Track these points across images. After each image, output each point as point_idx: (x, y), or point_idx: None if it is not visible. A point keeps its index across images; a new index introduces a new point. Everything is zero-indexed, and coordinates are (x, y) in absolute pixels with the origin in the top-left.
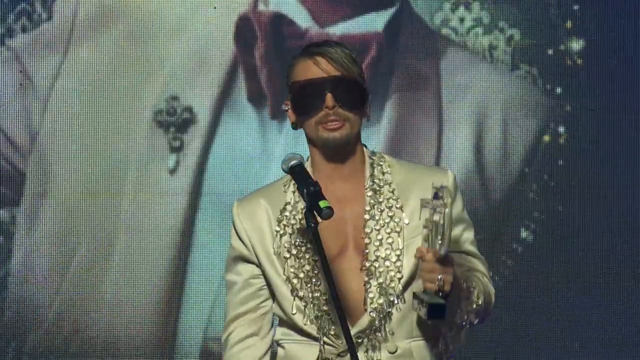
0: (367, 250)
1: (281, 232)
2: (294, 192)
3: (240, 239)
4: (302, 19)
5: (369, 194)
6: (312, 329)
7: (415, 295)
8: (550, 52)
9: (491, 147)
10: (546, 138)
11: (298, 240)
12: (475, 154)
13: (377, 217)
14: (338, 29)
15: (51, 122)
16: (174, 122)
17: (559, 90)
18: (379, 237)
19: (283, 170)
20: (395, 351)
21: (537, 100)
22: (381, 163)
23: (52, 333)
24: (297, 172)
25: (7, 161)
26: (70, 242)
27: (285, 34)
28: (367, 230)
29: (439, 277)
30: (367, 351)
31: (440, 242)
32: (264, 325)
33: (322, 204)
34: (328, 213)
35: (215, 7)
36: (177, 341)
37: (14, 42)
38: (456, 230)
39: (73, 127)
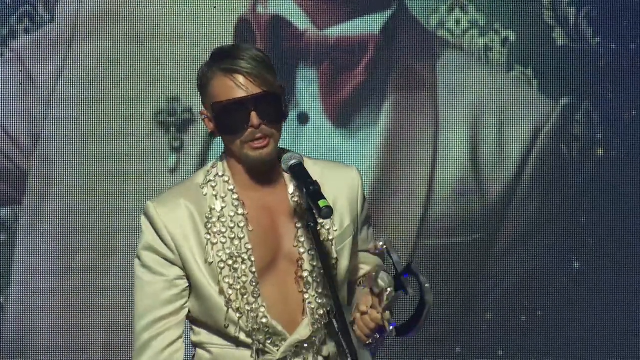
0: (301, 260)
1: (212, 240)
2: (214, 195)
3: (164, 242)
4: (300, 21)
5: (295, 199)
6: (246, 339)
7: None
8: (544, 53)
9: (487, 147)
10: (541, 138)
11: (232, 249)
12: (471, 155)
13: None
14: (335, 31)
15: (53, 122)
16: (174, 122)
17: (553, 91)
18: (313, 246)
19: (282, 169)
20: (328, 355)
21: (532, 101)
22: None
23: (53, 331)
24: (296, 172)
25: (10, 160)
26: (72, 240)
27: (283, 36)
28: (301, 238)
29: (376, 336)
30: (305, 357)
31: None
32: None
33: (321, 203)
34: (327, 212)
35: (215, 7)
36: None
37: (17, 44)
38: (364, 232)
39: (75, 127)
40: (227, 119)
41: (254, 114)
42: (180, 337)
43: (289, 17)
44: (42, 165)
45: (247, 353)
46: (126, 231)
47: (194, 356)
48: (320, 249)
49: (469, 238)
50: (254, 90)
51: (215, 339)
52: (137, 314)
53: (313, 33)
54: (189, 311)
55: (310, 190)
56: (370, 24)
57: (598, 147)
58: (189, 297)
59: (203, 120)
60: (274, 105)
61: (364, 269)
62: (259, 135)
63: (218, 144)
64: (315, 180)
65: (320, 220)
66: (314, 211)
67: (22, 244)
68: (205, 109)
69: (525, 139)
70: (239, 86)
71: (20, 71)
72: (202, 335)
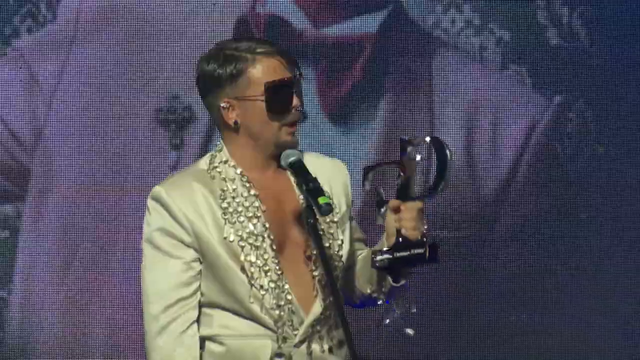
0: (309, 240)
1: (230, 219)
2: (223, 179)
3: (180, 225)
4: (299, 20)
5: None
6: (269, 320)
7: (382, 252)
8: (538, 52)
9: (481, 144)
10: (535, 136)
11: (251, 228)
12: (466, 151)
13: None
14: (333, 30)
15: (55, 119)
16: (175, 120)
17: (547, 89)
18: (321, 227)
19: (281, 165)
20: (345, 338)
21: (526, 99)
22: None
23: (56, 325)
24: (296, 168)
25: (13, 157)
26: (74, 236)
27: (281, 35)
28: (310, 221)
29: (425, 225)
30: (321, 339)
31: (433, 183)
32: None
33: (321, 200)
34: (327, 209)
35: (214, 3)
36: None
37: (20, 43)
38: (353, 225)
39: (76, 125)
40: (278, 98)
41: (295, 97)
42: (195, 321)
43: (287, 17)
44: (44, 162)
45: (267, 342)
46: (127, 227)
47: (201, 355)
48: (320, 246)
49: (464, 233)
50: (293, 72)
51: (233, 326)
52: (152, 298)
53: (311, 32)
54: (208, 296)
55: (310, 186)
56: (367, 24)
57: (592, 144)
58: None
59: (224, 111)
60: (302, 92)
61: (359, 249)
62: (297, 118)
63: (218, 141)
64: (315, 177)
65: (319, 217)
66: (314, 208)
67: (25, 240)
68: (231, 99)
69: (519, 136)
70: (284, 67)
71: (22, 69)
72: (214, 326)
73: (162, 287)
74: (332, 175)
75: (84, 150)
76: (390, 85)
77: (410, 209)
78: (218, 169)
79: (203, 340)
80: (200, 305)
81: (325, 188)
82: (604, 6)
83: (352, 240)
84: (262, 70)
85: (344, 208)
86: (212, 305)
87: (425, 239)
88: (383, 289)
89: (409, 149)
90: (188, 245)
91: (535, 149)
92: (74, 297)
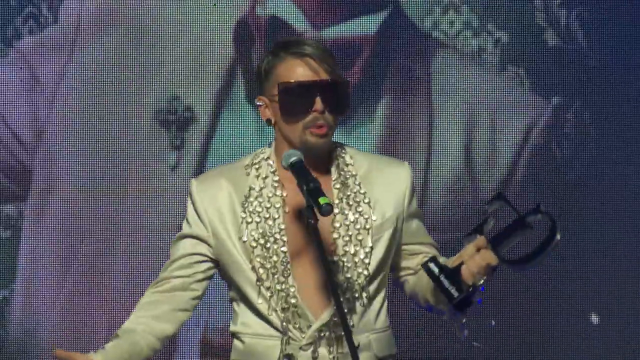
0: (334, 245)
1: (247, 219)
2: (257, 176)
3: (200, 219)
4: (298, 22)
5: (337, 186)
6: (276, 320)
7: (435, 264)
8: (536, 53)
9: (480, 145)
10: (533, 136)
11: (265, 229)
12: (465, 152)
13: (346, 212)
14: (333, 32)
15: (57, 120)
16: (175, 121)
17: (544, 90)
18: (349, 232)
19: (282, 166)
20: (358, 346)
21: (524, 100)
22: (343, 154)
23: (57, 324)
24: (297, 169)
25: (15, 157)
26: (75, 236)
27: (281, 36)
28: (336, 224)
29: (484, 277)
30: (329, 345)
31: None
32: (186, 305)
33: (321, 200)
34: (328, 210)
35: (215, 5)
36: (177, 338)
37: (22, 44)
38: (413, 224)
39: (78, 125)
40: (292, 100)
41: (318, 99)
42: (168, 313)
43: (287, 18)
44: (46, 162)
45: (277, 342)
46: (128, 226)
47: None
48: (320, 247)
49: (462, 234)
50: (322, 75)
51: (250, 324)
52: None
53: (311, 34)
54: (233, 293)
55: (310, 187)
56: (367, 25)
57: (589, 144)
58: (198, 283)
59: (259, 108)
60: (339, 95)
61: (422, 252)
62: (320, 122)
63: (218, 142)
64: (315, 178)
65: (319, 217)
66: (314, 208)
67: (27, 240)
68: (264, 97)
69: (517, 136)
70: (308, 69)
71: (24, 69)
72: (239, 324)
73: (168, 262)
74: (384, 182)
75: (85, 151)
76: (389, 86)
77: (485, 257)
78: (256, 166)
79: (232, 335)
80: (231, 300)
81: (368, 196)
82: (600, 8)
83: (408, 244)
84: (284, 70)
85: (388, 214)
86: (237, 302)
87: (470, 290)
88: (442, 305)
89: (535, 216)
90: (202, 240)
91: (533, 149)
92: (75, 296)
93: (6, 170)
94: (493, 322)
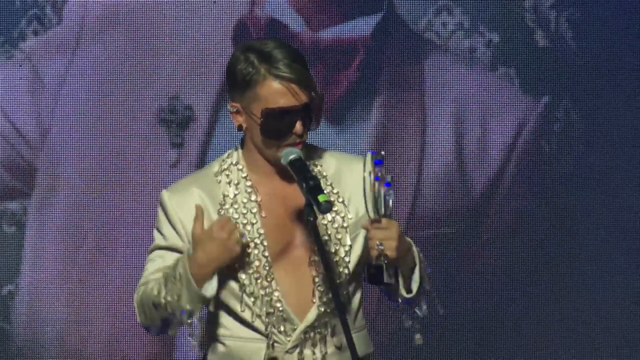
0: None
1: None
2: (228, 183)
3: (175, 229)
4: (296, 23)
5: None
6: (260, 325)
7: (368, 266)
8: (526, 54)
9: (471, 143)
10: (523, 135)
11: (244, 235)
12: (457, 151)
13: None
14: (328, 33)
15: (60, 119)
16: (175, 119)
17: (534, 90)
18: (328, 232)
19: (282, 164)
20: (341, 346)
21: (515, 99)
22: (313, 155)
23: (61, 319)
24: (296, 167)
25: (20, 155)
26: (78, 233)
27: (279, 37)
28: (310, 219)
29: (378, 243)
30: (314, 346)
31: (381, 209)
32: None
33: (320, 198)
34: (327, 207)
35: (215, 1)
36: (177, 338)
37: (26, 45)
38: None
39: (81, 124)
40: (275, 125)
41: (299, 123)
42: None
43: (284, 20)
44: (50, 160)
45: (261, 345)
46: (130, 223)
47: (205, 354)
48: (320, 244)
49: (454, 230)
50: (303, 99)
51: (231, 328)
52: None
53: (307, 35)
54: (216, 299)
55: (310, 184)
56: (362, 27)
57: (577, 143)
58: None
59: (232, 113)
60: (316, 113)
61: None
62: (298, 140)
63: (218, 140)
64: (315, 175)
65: (319, 215)
66: (314, 206)
67: (31, 236)
68: (237, 103)
69: (508, 135)
70: (290, 96)
71: (28, 70)
72: (219, 327)
73: (145, 273)
74: (355, 180)
75: (88, 149)
76: (383, 86)
77: (370, 228)
78: (227, 172)
79: (210, 338)
80: (216, 304)
81: (341, 194)
82: (589, 9)
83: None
84: (268, 93)
85: (362, 212)
86: (217, 306)
87: (383, 259)
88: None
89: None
90: (178, 252)
91: (524, 148)
92: (79, 290)
93: (11, 168)
94: (441, 311)
